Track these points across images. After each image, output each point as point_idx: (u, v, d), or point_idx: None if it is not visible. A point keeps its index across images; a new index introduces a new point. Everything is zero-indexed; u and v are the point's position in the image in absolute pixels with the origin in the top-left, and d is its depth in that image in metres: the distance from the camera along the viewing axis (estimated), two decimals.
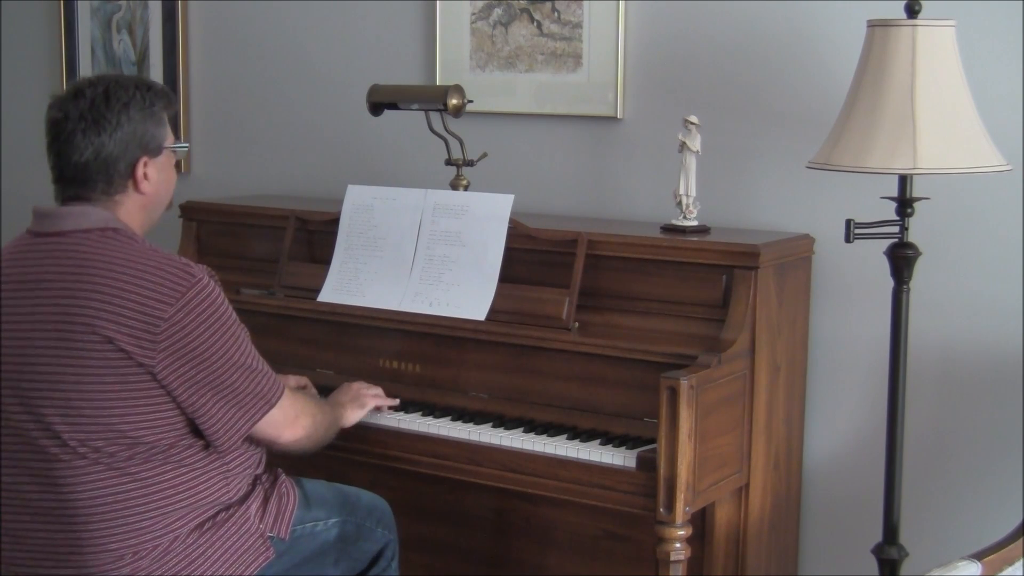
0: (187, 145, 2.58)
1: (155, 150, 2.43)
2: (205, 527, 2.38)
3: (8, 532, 2.38)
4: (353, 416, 2.80)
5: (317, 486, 2.67)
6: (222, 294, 2.36)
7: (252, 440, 2.47)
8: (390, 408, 2.94)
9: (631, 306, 2.93)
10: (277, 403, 2.42)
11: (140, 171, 2.41)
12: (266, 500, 2.50)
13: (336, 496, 2.67)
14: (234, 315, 2.37)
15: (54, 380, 2.27)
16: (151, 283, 2.27)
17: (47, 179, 4.59)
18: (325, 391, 2.97)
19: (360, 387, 2.89)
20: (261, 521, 2.46)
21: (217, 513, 2.41)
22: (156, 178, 2.44)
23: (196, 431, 2.36)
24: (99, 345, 2.25)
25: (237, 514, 2.42)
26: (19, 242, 2.43)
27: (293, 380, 2.89)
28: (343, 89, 3.82)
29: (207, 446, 2.38)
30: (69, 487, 2.30)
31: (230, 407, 2.35)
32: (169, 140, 2.48)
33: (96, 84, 2.40)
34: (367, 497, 2.75)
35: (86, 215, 2.36)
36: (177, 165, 4.13)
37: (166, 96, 2.47)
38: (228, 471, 2.43)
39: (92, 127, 2.35)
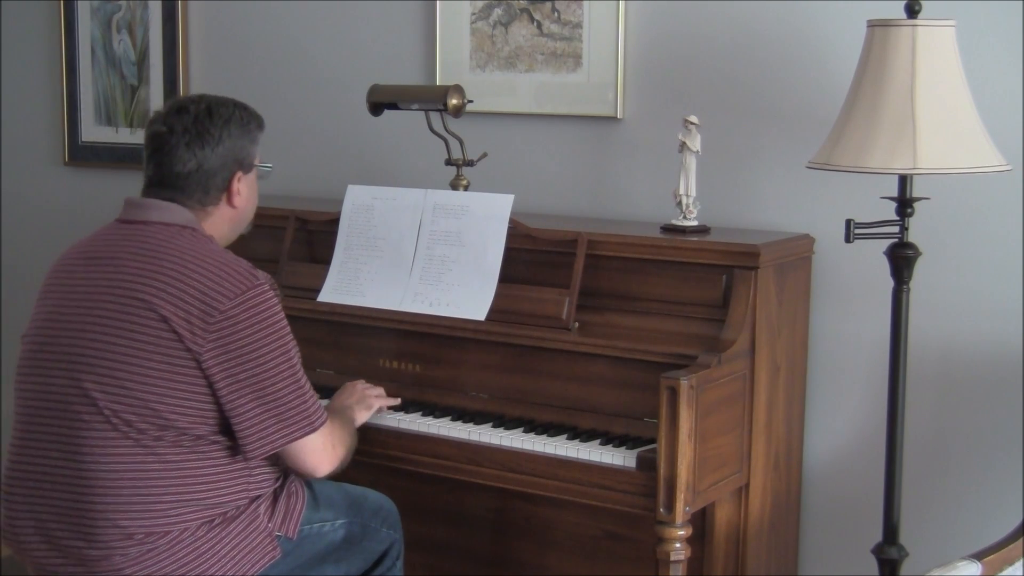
0: (272, 165, 2.67)
1: (248, 167, 2.57)
2: (215, 522, 2.40)
3: (21, 496, 2.41)
4: (361, 418, 2.82)
5: (326, 487, 2.67)
6: (279, 305, 2.43)
7: (287, 467, 2.50)
8: (390, 408, 2.94)
9: (631, 306, 2.93)
10: (319, 428, 2.45)
11: (235, 185, 2.53)
12: (275, 499, 2.51)
13: (344, 497, 2.68)
14: (288, 329, 2.43)
15: (103, 348, 2.35)
16: (216, 276, 2.36)
17: (47, 179, 4.59)
18: (325, 391, 2.97)
19: (364, 388, 2.90)
20: (270, 520, 2.47)
21: (227, 510, 2.42)
22: (246, 194, 2.57)
23: (227, 430, 2.39)
24: (153, 322, 2.33)
25: (247, 512, 2.44)
26: (107, 227, 2.54)
27: None
28: (343, 89, 3.82)
29: (234, 447, 2.40)
30: (93, 456, 2.34)
31: (270, 416, 2.37)
32: (258, 159, 2.60)
33: (199, 101, 2.54)
34: (373, 497, 2.76)
35: (172, 212, 2.47)
36: None
37: (259, 118, 2.61)
38: (251, 478, 2.45)
39: (196, 140, 2.48)
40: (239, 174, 2.54)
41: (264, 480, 2.48)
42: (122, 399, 2.33)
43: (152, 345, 2.33)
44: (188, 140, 2.47)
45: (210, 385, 2.34)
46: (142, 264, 2.39)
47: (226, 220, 2.57)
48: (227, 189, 2.53)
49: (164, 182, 2.50)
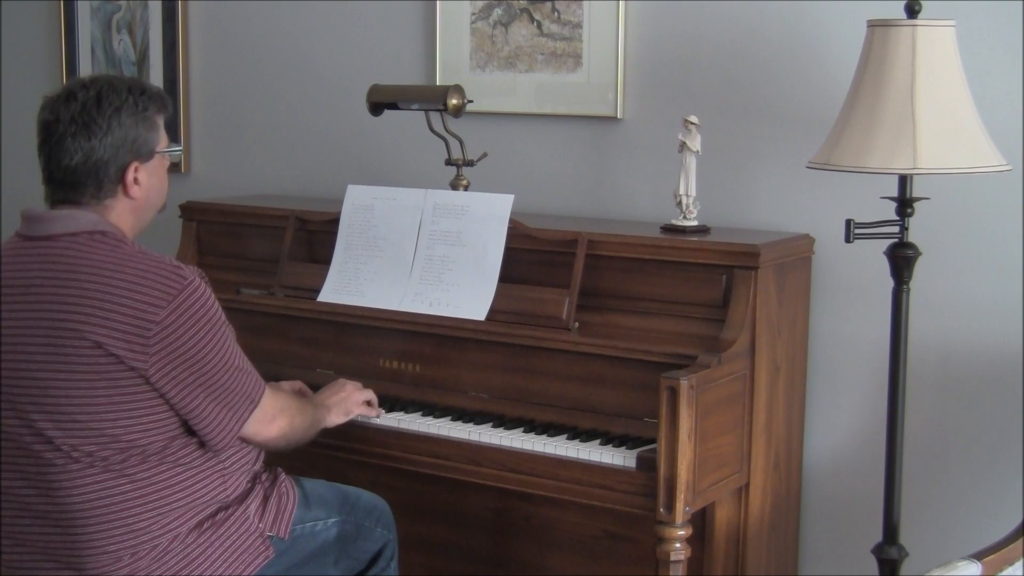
0: (180, 148, 2.58)
1: (147, 155, 2.41)
2: (204, 526, 2.38)
3: (8, 534, 2.38)
4: (336, 420, 2.79)
5: (317, 486, 2.67)
6: (212, 295, 2.35)
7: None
8: (377, 417, 2.92)
9: (631, 306, 2.93)
10: (260, 402, 2.43)
11: (130, 176, 2.39)
12: (266, 499, 2.50)
13: (336, 496, 2.67)
14: (223, 316, 2.37)
15: (44, 386, 2.27)
16: (142, 287, 2.26)
17: None
18: None
19: (352, 390, 2.87)
20: (261, 520, 2.46)
21: (216, 512, 2.41)
22: (147, 183, 2.42)
23: (190, 431, 2.36)
24: (88, 350, 2.24)
25: (236, 513, 2.43)
26: (8, 246, 2.41)
27: (287, 385, 2.88)
28: (343, 89, 3.82)
29: (202, 445, 2.38)
30: (64, 491, 2.29)
31: (221, 407, 2.35)
32: (162, 144, 2.45)
33: (89, 87, 2.39)
34: (366, 497, 2.75)
35: (74, 218, 2.34)
36: (177, 165, 4.15)
37: (160, 99, 2.45)
38: (225, 469, 2.43)
39: (82, 131, 2.34)
40: (135, 164, 2.38)
41: (238, 465, 2.46)
42: (77, 433, 2.26)
43: (93, 373, 2.25)
44: (74, 131, 2.33)
45: (161, 395, 2.29)
46: (60, 289, 2.27)
47: (128, 211, 2.41)
48: (122, 181, 2.37)
49: (54, 176, 2.36)
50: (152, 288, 2.26)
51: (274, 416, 2.49)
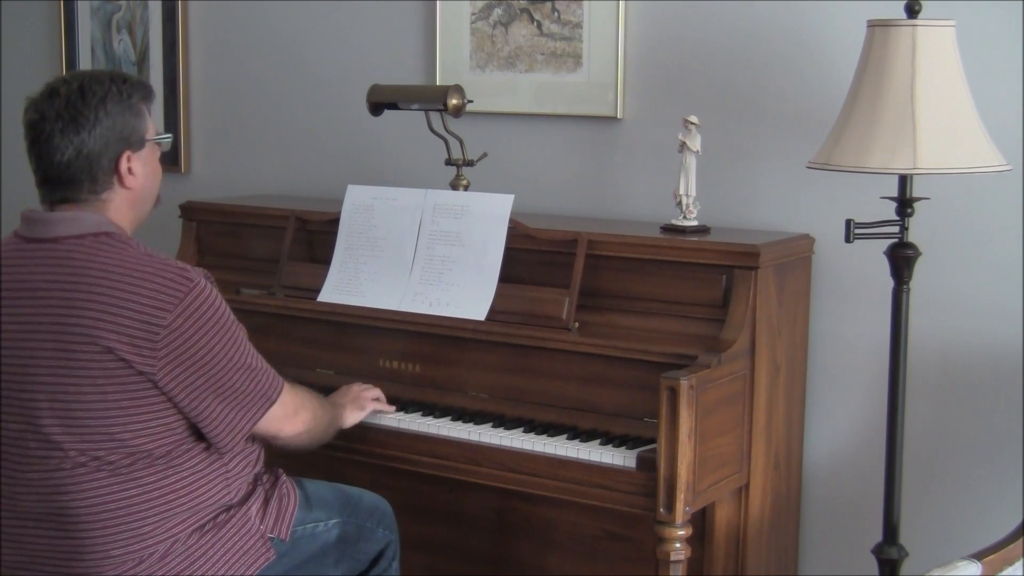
0: (170, 136, 2.54)
1: (137, 143, 2.39)
2: (206, 528, 2.38)
3: (9, 537, 2.36)
4: (352, 418, 2.80)
5: (318, 487, 2.67)
6: (219, 296, 2.34)
7: (252, 437, 2.47)
8: (391, 411, 2.93)
9: (631, 306, 2.93)
10: (278, 399, 2.42)
11: (124, 166, 2.37)
12: (267, 501, 2.49)
13: (337, 497, 2.67)
14: (232, 316, 2.36)
15: (54, 390, 2.25)
16: (149, 290, 2.25)
17: None
18: (325, 392, 2.97)
19: (360, 389, 2.89)
20: (262, 522, 2.46)
21: (218, 514, 2.41)
22: (141, 172, 2.40)
23: (196, 434, 2.36)
24: (99, 355, 2.23)
25: (238, 515, 2.42)
26: (10, 247, 2.38)
27: None
28: (343, 89, 3.82)
29: (207, 449, 2.38)
30: (71, 495, 2.28)
31: (231, 408, 2.34)
32: (151, 132, 2.43)
33: (70, 81, 2.36)
34: (368, 497, 2.75)
35: (79, 220, 2.33)
36: (177, 165, 4.15)
37: (143, 87, 2.43)
38: (228, 473, 2.43)
39: (70, 125, 2.32)
40: (127, 153, 2.35)
41: (242, 468, 2.45)
42: (87, 437, 2.25)
43: (103, 378, 2.23)
44: (62, 126, 2.30)
45: (169, 399, 2.28)
46: (68, 292, 2.24)
47: (126, 204, 2.39)
48: (116, 171, 2.35)
49: (48, 176, 2.35)
50: (158, 291, 2.25)
51: (296, 410, 2.49)
